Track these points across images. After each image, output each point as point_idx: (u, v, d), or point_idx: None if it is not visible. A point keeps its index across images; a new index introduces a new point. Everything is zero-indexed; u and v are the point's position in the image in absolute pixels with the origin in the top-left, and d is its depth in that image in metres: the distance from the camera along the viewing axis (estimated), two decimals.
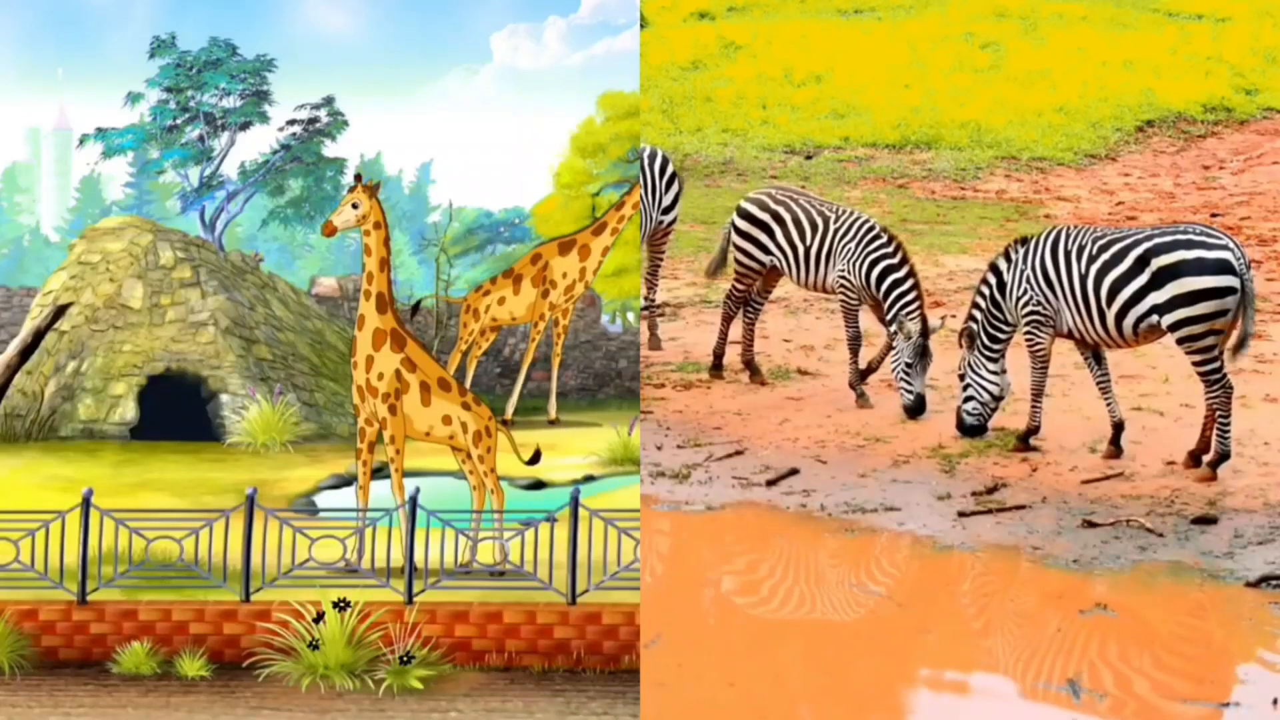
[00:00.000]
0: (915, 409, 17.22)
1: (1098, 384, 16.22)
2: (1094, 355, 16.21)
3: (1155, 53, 31.21)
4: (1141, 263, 15.50)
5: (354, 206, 14.96)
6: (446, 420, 15.37)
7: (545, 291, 22.06)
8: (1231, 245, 15.32)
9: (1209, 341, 15.38)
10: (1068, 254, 15.97)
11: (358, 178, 15.09)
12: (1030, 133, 27.48)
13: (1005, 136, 27.37)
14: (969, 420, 16.67)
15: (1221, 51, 31.20)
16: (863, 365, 17.91)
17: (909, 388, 17.24)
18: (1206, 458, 15.66)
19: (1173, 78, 29.96)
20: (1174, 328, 15.43)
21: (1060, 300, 15.99)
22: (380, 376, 15.20)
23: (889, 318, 17.42)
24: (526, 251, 22.76)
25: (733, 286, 18.54)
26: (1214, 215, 24.21)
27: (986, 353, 16.52)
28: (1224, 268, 15.22)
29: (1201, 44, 31.70)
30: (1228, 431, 15.53)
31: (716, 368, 18.60)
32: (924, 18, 33.90)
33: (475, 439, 15.41)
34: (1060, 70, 30.19)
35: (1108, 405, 16.17)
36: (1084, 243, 15.91)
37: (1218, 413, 15.52)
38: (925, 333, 17.16)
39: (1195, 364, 15.53)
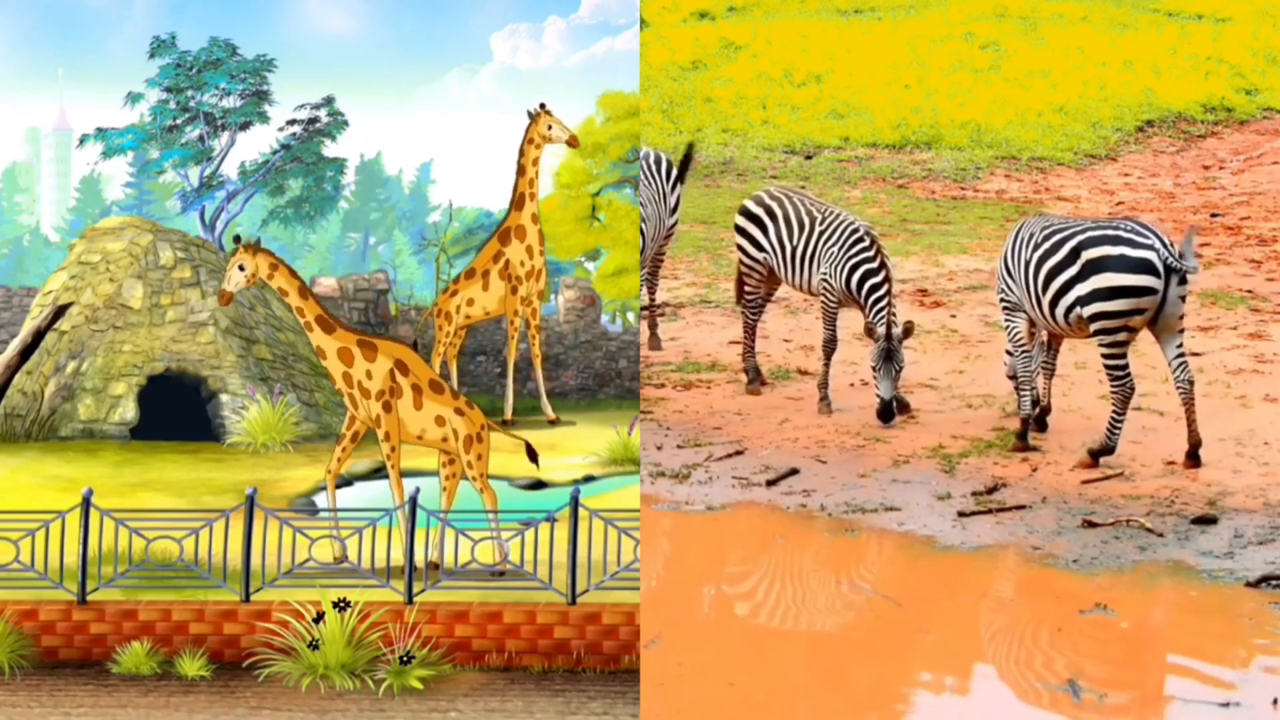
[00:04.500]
0: (882, 413, 17.15)
1: (1042, 366, 16.79)
2: (1048, 341, 16.82)
3: (1155, 53, 31.23)
4: (1074, 254, 15.77)
5: (240, 269, 15.12)
6: (440, 421, 15.38)
7: (514, 288, 22.00)
8: (1157, 245, 15.43)
9: (1120, 338, 15.63)
10: (1022, 243, 16.29)
11: (236, 239, 15.34)
12: (1030, 133, 27.49)
13: (1005, 136, 27.37)
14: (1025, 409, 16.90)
15: (1221, 51, 31.22)
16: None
17: (876, 392, 17.20)
18: (1091, 447, 15.94)
19: (1173, 78, 29.97)
20: (1091, 320, 15.63)
21: (1019, 288, 16.24)
22: (370, 376, 15.22)
23: (868, 322, 17.37)
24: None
25: (744, 292, 18.37)
26: (1214, 215, 24.22)
27: (1009, 329, 16.77)
28: (1145, 267, 15.38)
29: (1201, 44, 31.71)
30: (1119, 428, 15.79)
31: (753, 381, 18.25)
32: (924, 18, 33.91)
33: (466, 444, 15.40)
34: (1060, 70, 30.21)
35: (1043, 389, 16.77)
36: (1034, 231, 16.21)
37: (1113, 409, 15.79)
38: (890, 336, 17.09)
39: (1103, 356, 15.79)
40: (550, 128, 21.68)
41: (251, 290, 23.97)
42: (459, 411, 15.45)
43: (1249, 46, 31.49)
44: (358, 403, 15.27)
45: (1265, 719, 11.82)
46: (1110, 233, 15.67)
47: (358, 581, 14.26)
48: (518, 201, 21.93)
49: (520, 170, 21.85)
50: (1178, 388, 15.70)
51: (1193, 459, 15.77)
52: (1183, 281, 15.50)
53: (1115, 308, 15.53)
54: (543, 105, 21.74)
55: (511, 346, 22.37)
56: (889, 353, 17.05)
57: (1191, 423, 15.76)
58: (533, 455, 16.08)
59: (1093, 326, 15.69)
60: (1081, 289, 15.69)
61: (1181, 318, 15.64)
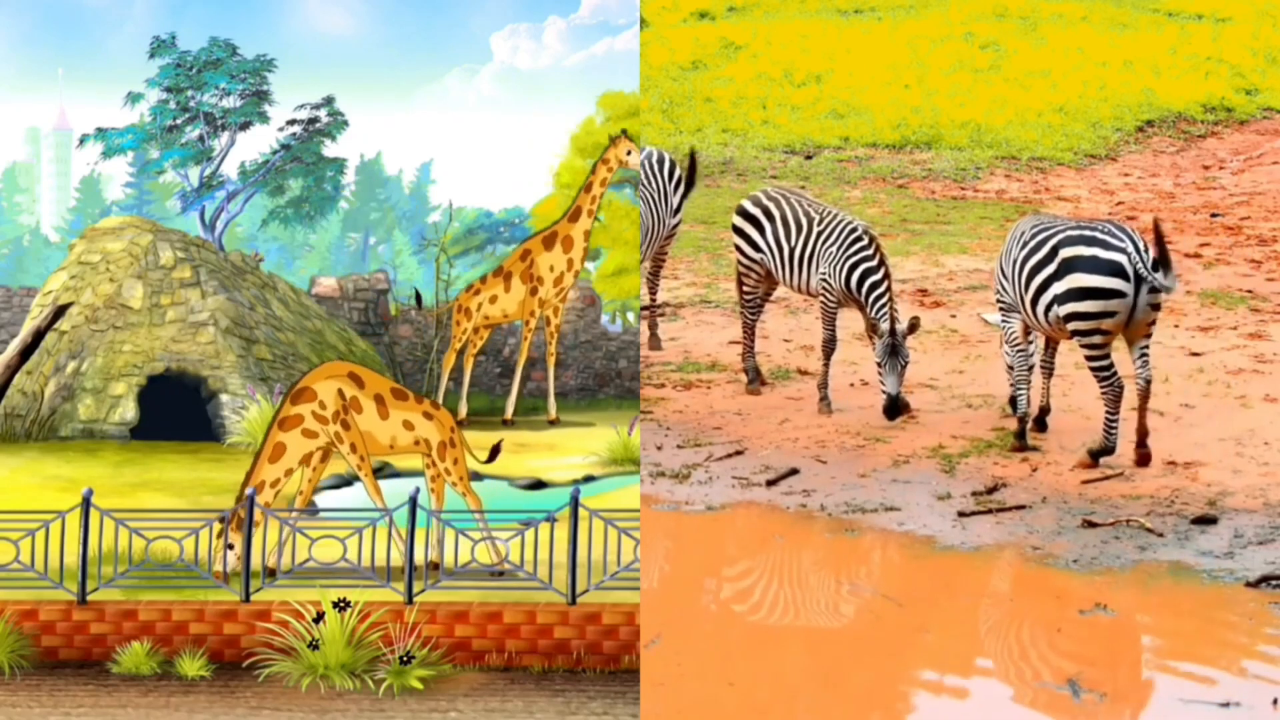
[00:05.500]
0: (887, 409, 17.13)
1: (1041, 365, 16.87)
2: (1046, 340, 16.78)
3: (1155, 53, 31.24)
4: (1053, 254, 15.82)
5: (230, 547, 14.69)
6: (408, 426, 15.38)
7: (534, 289, 22.07)
8: (1130, 249, 15.42)
9: (1096, 340, 15.62)
10: (1014, 242, 16.33)
11: (221, 518, 14.68)
12: (1030, 133, 27.49)
13: (1005, 136, 27.37)
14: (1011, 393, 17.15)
15: (1221, 51, 31.22)
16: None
17: (881, 388, 17.21)
18: (1091, 448, 15.94)
19: (1173, 78, 29.98)
20: (1066, 320, 15.67)
21: (1010, 287, 16.34)
22: (323, 405, 15.22)
23: (871, 319, 17.36)
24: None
25: (742, 293, 18.41)
26: (1214, 215, 24.22)
27: (1005, 328, 16.80)
28: (1115, 270, 15.42)
29: (1201, 44, 31.72)
30: (1115, 427, 15.76)
31: (753, 381, 18.25)
32: (924, 18, 33.92)
33: (441, 450, 15.41)
34: (1060, 70, 30.21)
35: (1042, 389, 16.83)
36: (1025, 231, 16.26)
37: (1105, 409, 15.77)
38: (894, 332, 17.09)
39: (1085, 358, 15.81)
40: (629, 153, 21.85)
41: (251, 290, 23.97)
42: (427, 415, 15.46)
43: (1249, 46, 31.49)
44: (324, 433, 15.24)
45: (1265, 719, 11.82)
46: (1087, 233, 15.68)
47: (358, 581, 14.26)
48: (573, 214, 22.23)
49: (586, 186, 22.20)
50: (1135, 384, 15.70)
51: (1140, 448, 15.78)
52: (1155, 290, 15.46)
53: (1086, 309, 15.54)
54: (624, 132, 21.97)
55: (523, 348, 22.44)
56: (894, 348, 17.07)
57: (1142, 414, 15.75)
58: (493, 454, 15.98)
59: (1068, 327, 15.72)
60: (1057, 288, 15.72)
61: (1151, 324, 15.63)
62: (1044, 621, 13.39)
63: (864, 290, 17.33)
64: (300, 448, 15.21)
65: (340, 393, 15.26)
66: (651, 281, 20.24)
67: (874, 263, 17.32)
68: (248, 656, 13.97)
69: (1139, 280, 15.38)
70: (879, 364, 17.16)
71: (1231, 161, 27.14)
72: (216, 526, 14.72)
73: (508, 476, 19.07)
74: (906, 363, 17.18)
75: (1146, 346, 15.67)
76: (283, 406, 15.30)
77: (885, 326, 17.11)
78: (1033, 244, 15.99)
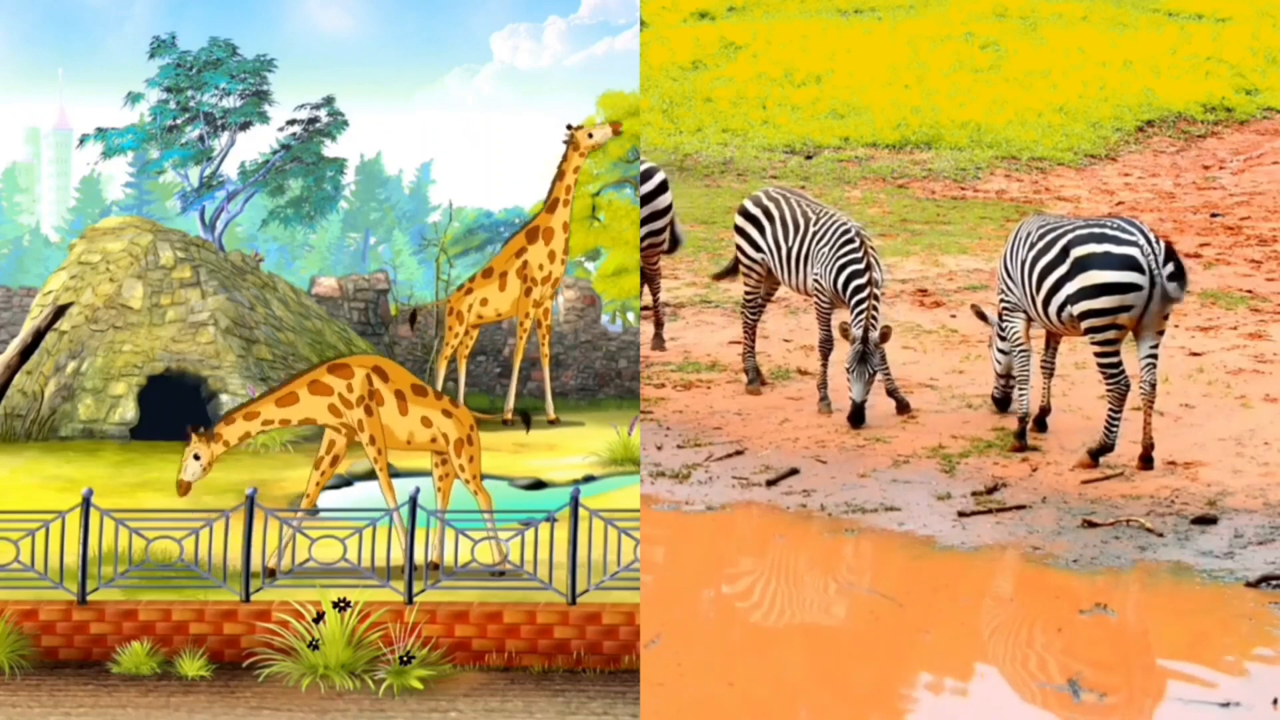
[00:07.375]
0: (852, 417, 17.10)
1: (1042, 365, 16.88)
2: (1047, 340, 16.80)
3: (1155, 53, 31.24)
4: (1064, 253, 15.86)
5: (196, 458, 14.83)
6: (426, 423, 15.39)
7: (528, 289, 22.00)
8: (1142, 242, 15.49)
9: (1110, 335, 15.66)
10: (1019, 243, 16.35)
11: (194, 429, 14.92)
12: (1030, 133, 27.49)
13: (1005, 136, 27.37)
14: (994, 392, 17.27)
15: (1221, 51, 31.23)
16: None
17: (849, 394, 17.16)
18: (1091, 447, 15.96)
19: (1173, 78, 29.98)
20: (1081, 318, 15.71)
21: (1017, 288, 16.36)
22: (350, 389, 15.21)
23: (847, 321, 17.33)
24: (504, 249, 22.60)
25: (744, 292, 18.43)
26: (1214, 215, 24.22)
27: (998, 331, 16.92)
28: (1129, 264, 15.45)
29: (1201, 44, 31.72)
30: (1116, 425, 15.79)
31: (753, 381, 18.23)
32: (924, 18, 33.93)
33: (457, 447, 15.41)
34: (1060, 70, 30.22)
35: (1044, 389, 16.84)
36: (1030, 231, 16.28)
37: (1109, 407, 15.80)
38: (865, 340, 17.02)
39: (1095, 354, 15.83)
40: (591, 135, 21.70)
41: (251, 290, 23.97)
42: (445, 413, 15.47)
43: (1249, 46, 31.50)
44: (348, 417, 15.24)
45: (1265, 719, 11.82)
46: (1097, 230, 15.75)
47: (358, 581, 14.26)
48: (550, 205, 21.98)
49: (559, 175, 21.89)
50: (1140, 387, 15.70)
51: (1145, 462, 15.78)
52: (1171, 278, 15.48)
53: (1102, 305, 15.57)
54: (569, 126, 21.76)
55: (519, 347, 22.39)
56: (863, 355, 17.00)
57: (1147, 425, 15.77)
58: (526, 420, 16.02)
59: (1082, 325, 15.74)
60: (1070, 287, 15.75)
61: (1165, 318, 15.65)
62: (1044, 621, 13.39)
63: (848, 292, 17.30)
64: (313, 412, 15.13)
65: (369, 379, 15.30)
66: (652, 287, 20.21)
67: (860, 265, 17.24)
68: (248, 656, 13.97)
69: (1153, 272, 15.41)
70: (847, 369, 17.09)
71: (1231, 161, 27.15)
72: (192, 438, 14.76)
73: (508, 476, 19.07)
74: (875, 372, 17.06)
75: (1156, 346, 15.65)
76: (317, 369, 15.24)
77: (857, 333, 17.01)
78: (1041, 245, 16.00)
